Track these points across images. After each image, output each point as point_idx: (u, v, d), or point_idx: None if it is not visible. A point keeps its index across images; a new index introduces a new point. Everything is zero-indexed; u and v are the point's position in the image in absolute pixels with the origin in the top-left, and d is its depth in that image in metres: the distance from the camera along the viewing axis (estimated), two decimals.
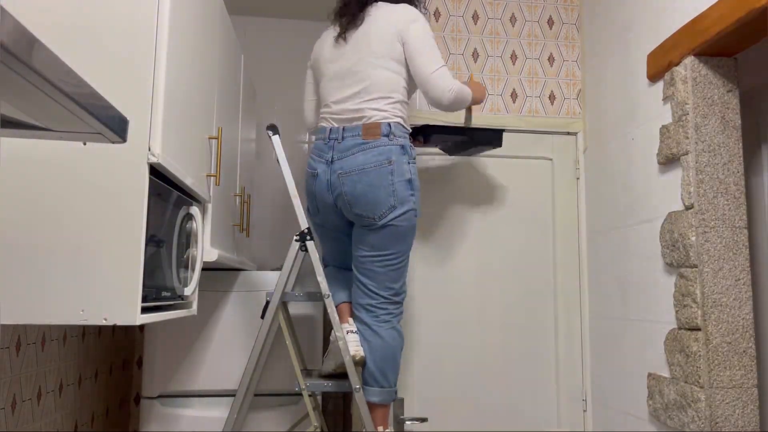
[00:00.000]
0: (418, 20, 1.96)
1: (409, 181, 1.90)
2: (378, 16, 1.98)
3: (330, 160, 1.92)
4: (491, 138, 2.29)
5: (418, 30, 1.94)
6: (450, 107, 1.97)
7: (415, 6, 2.06)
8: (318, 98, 2.15)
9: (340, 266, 2.13)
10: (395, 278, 1.94)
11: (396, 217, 1.88)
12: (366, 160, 1.87)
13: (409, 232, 1.94)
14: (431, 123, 2.31)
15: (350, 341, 1.87)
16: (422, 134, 2.22)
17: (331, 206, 1.96)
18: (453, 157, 2.56)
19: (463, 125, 2.29)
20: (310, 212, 2.04)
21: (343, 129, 1.93)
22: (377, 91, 1.92)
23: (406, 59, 1.95)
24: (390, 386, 1.91)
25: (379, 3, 2.02)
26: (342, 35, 2.01)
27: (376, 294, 1.93)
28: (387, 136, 1.89)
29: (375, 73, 1.93)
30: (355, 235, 1.96)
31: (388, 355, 1.90)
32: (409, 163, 1.92)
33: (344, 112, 1.96)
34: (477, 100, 2.13)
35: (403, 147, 1.91)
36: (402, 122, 1.95)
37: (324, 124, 2.01)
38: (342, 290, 2.04)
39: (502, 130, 2.31)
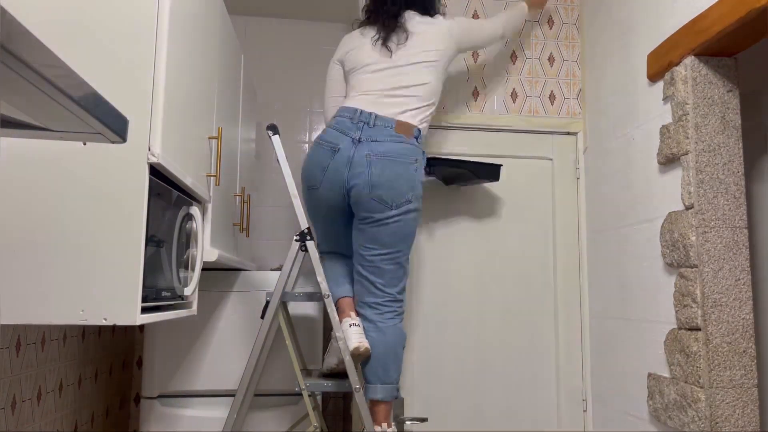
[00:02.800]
0: (454, 20, 2.21)
1: (422, 183, 2.00)
2: (424, 32, 2.11)
3: (357, 139, 1.94)
4: (490, 172, 2.42)
5: (459, 22, 2.20)
6: (509, 35, 2.39)
7: (440, 12, 2.26)
8: (345, 95, 2.18)
9: (336, 253, 2.12)
10: (401, 276, 1.97)
11: (407, 212, 1.94)
12: (398, 151, 1.94)
13: (414, 230, 2.00)
14: (435, 124, 2.33)
15: (353, 334, 1.87)
16: (427, 165, 2.31)
17: (339, 183, 1.94)
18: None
19: (462, 159, 2.43)
20: (305, 186, 2.01)
21: (376, 116, 1.96)
22: (421, 95, 2.04)
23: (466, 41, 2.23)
24: (392, 383, 1.91)
25: (412, 14, 2.15)
26: (384, 45, 2.08)
27: (384, 292, 1.94)
28: (416, 138, 2.00)
29: (424, 78, 2.05)
30: (361, 234, 1.96)
31: (390, 351, 1.91)
32: (423, 167, 2.04)
33: (382, 103, 2.00)
34: (537, 6, 2.52)
35: (423, 153, 2.04)
36: (426, 129, 2.09)
37: (353, 104, 2.01)
38: (341, 285, 2.04)
39: (500, 165, 2.43)
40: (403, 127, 1.96)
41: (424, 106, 2.04)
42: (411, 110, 2.01)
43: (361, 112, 1.97)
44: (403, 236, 1.95)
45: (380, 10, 2.14)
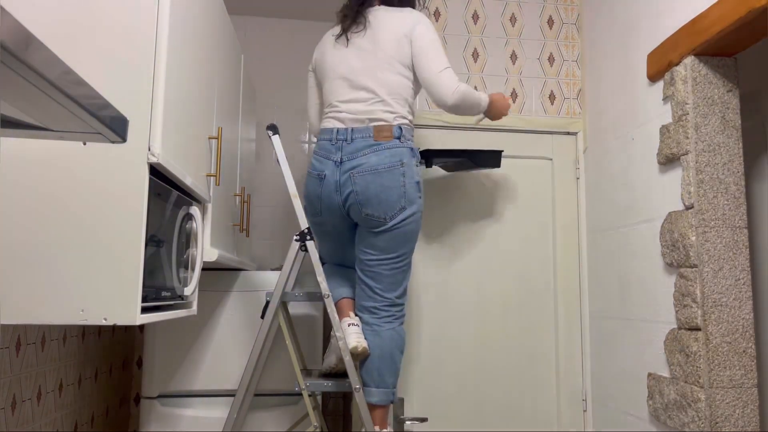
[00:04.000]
0: (422, 22, 1.99)
1: (417, 183, 1.94)
2: (383, 21, 2.00)
3: (339, 160, 1.91)
4: (490, 159, 2.37)
5: (423, 31, 1.97)
6: (455, 108, 1.97)
7: (416, 8, 2.10)
8: (321, 101, 2.14)
9: (338, 263, 2.13)
10: (401, 280, 1.95)
11: (405, 219, 1.90)
12: (379, 161, 1.88)
13: (416, 233, 1.96)
14: (435, 124, 2.34)
15: (351, 333, 1.87)
16: (423, 158, 2.29)
17: (337, 208, 1.93)
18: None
19: (461, 149, 2.39)
20: (309, 213, 2.01)
21: (352, 130, 1.92)
22: (388, 94, 1.94)
23: (412, 61, 1.97)
24: (387, 387, 1.90)
25: (379, 8, 2.05)
26: (343, 36, 2.02)
27: (382, 296, 1.93)
28: (398, 138, 1.92)
29: (385, 76, 1.95)
30: (361, 238, 1.95)
31: (385, 355, 1.90)
32: (417, 165, 1.96)
33: (353, 113, 1.95)
34: (494, 113, 2.11)
35: (412, 150, 1.95)
36: (410, 125, 1.99)
37: (329, 125, 1.98)
38: (341, 286, 2.04)
39: (501, 152, 2.38)
40: (382, 132, 1.90)
41: (399, 104, 1.95)
42: (384, 112, 1.93)
43: (338, 130, 1.94)
44: (402, 241, 1.92)
45: (349, 2, 2.07)
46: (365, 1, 2.05)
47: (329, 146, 1.94)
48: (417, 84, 2.02)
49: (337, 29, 2.07)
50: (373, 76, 1.95)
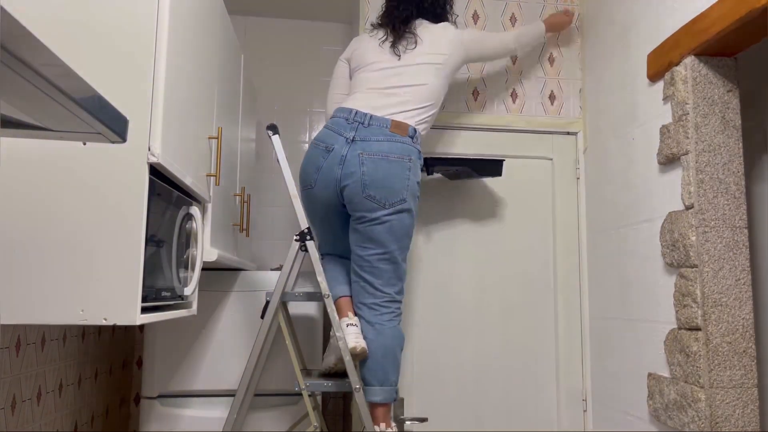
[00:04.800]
0: (463, 30, 2.24)
1: (418, 183, 2.00)
2: (433, 34, 2.16)
3: (351, 138, 1.94)
4: (492, 168, 2.40)
5: (469, 32, 2.24)
6: (523, 48, 2.42)
7: (451, 21, 2.28)
8: (346, 93, 2.20)
9: (334, 254, 2.13)
10: (400, 276, 1.97)
11: (402, 210, 1.93)
12: (391, 150, 1.94)
13: (411, 230, 1.99)
14: (436, 124, 2.34)
15: (350, 333, 1.87)
16: (425, 165, 2.31)
17: (333, 182, 1.95)
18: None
19: (463, 157, 2.44)
20: (300, 185, 2.02)
21: (371, 116, 1.97)
22: (420, 95, 2.05)
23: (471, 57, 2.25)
24: (391, 385, 1.91)
25: (422, 21, 2.19)
26: (392, 47, 2.12)
27: (382, 292, 1.94)
28: (412, 137, 1.99)
29: (424, 78, 2.07)
30: (358, 234, 1.95)
31: (389, 353, 1.90)
32: (420, 167, 2.04)
33: (381, 98, 2.01)
34: (556, 28, 2.54)
35: (419, 152, 2.03)
36: (424, 132, 2.08)
37: (349, 105, 2.03)
38: (340, 284, 2.04)
39: (502, 161, 2.40)
40: (398, 127, 1.97)
41: (423, 108, 2.04)
42: (408, 111, 2.01)
43: (356, 112, 1.98)
44: (400, 235, 1.95)
45: (392, 15, 2.18)
46: (409, 16, 2.17)
47: (344, 123, 1.98)
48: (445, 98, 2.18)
49: (381, 34, 2.17)
50: (411, 78, 2.05)
